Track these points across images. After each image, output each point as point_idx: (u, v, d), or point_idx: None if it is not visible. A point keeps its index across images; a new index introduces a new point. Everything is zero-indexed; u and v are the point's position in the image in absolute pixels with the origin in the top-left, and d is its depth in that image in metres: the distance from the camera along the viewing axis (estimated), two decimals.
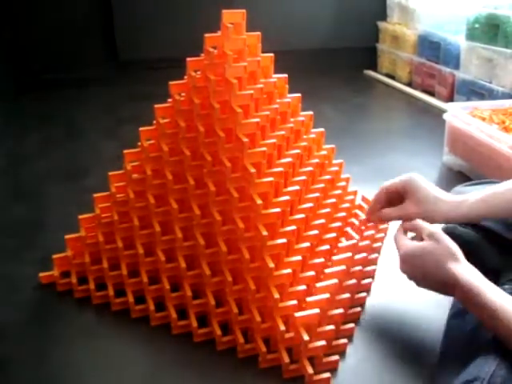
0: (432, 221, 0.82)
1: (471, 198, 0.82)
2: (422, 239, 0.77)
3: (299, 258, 0.87)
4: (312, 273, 0.89)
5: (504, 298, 0.65)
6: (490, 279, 0.70)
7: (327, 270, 0.92)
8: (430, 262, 0.73)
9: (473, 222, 0.88)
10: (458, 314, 0.78)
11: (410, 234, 0.83)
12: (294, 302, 0.84)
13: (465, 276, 0.69)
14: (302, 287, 0.86)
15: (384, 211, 0.89)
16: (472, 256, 0.75)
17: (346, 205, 1.12)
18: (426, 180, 0.86)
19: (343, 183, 1.13)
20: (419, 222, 0.80)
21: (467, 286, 0.68)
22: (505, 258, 0.90)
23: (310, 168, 1.01)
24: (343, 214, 1.09)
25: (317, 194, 1.00)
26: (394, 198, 0.88)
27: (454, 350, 0.74)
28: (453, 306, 0.82)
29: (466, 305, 0.70)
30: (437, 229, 0.77)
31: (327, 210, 1.02)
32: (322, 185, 1.04)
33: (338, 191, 1.10)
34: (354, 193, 1.17)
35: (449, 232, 1.03)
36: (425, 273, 0.74)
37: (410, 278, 0.79)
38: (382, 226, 1.16)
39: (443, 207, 0.82)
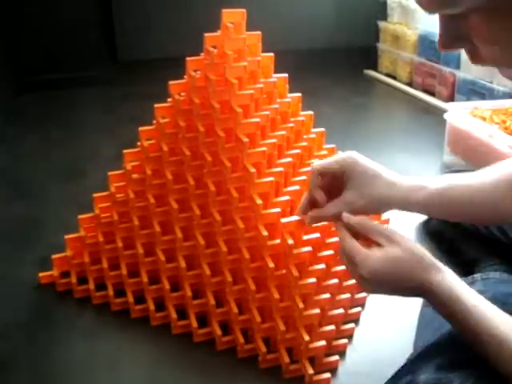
0: (378, 210, 0.66)
1: (432, 185, 0.64)
2: (369, 243, 0.62)
3: None
4: None
5: (491, 320, 0.55)
6: (467, 271, 0.66)
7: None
8: (400, 274, 0.59)
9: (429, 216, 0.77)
10: None
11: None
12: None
13: (446, 292, 0.58)
14: None
15: (314, 211, 0.67)
16: (451, 250, 0.71)
17: None
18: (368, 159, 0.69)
19: None
20: (369, 222, 0.62)
21: (449, 302, 0.58)
22: (480, 246, 0.89)
23: (310, 168, 1.01)
24: None
25: None
26: (332, 185, 0.68)
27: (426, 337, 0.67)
28: None
29: (442, 314, 0.60)
30: (394, 229, 0.61)
31: None
32: None
33: None
34: None
35: (431, 229, 1.00)
36: (396, 285, 0.60)
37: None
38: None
39: (397, 193, 0.63)
